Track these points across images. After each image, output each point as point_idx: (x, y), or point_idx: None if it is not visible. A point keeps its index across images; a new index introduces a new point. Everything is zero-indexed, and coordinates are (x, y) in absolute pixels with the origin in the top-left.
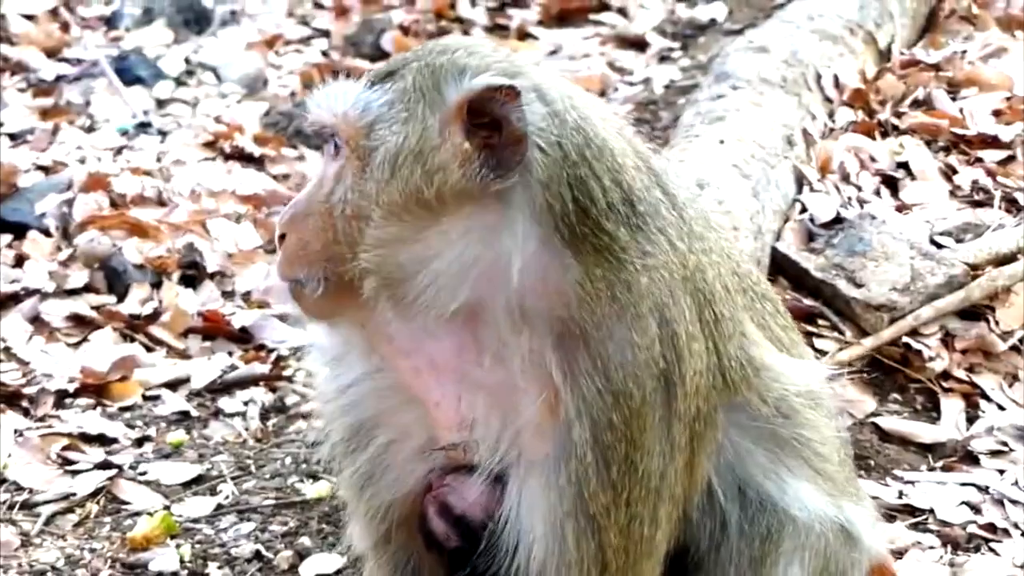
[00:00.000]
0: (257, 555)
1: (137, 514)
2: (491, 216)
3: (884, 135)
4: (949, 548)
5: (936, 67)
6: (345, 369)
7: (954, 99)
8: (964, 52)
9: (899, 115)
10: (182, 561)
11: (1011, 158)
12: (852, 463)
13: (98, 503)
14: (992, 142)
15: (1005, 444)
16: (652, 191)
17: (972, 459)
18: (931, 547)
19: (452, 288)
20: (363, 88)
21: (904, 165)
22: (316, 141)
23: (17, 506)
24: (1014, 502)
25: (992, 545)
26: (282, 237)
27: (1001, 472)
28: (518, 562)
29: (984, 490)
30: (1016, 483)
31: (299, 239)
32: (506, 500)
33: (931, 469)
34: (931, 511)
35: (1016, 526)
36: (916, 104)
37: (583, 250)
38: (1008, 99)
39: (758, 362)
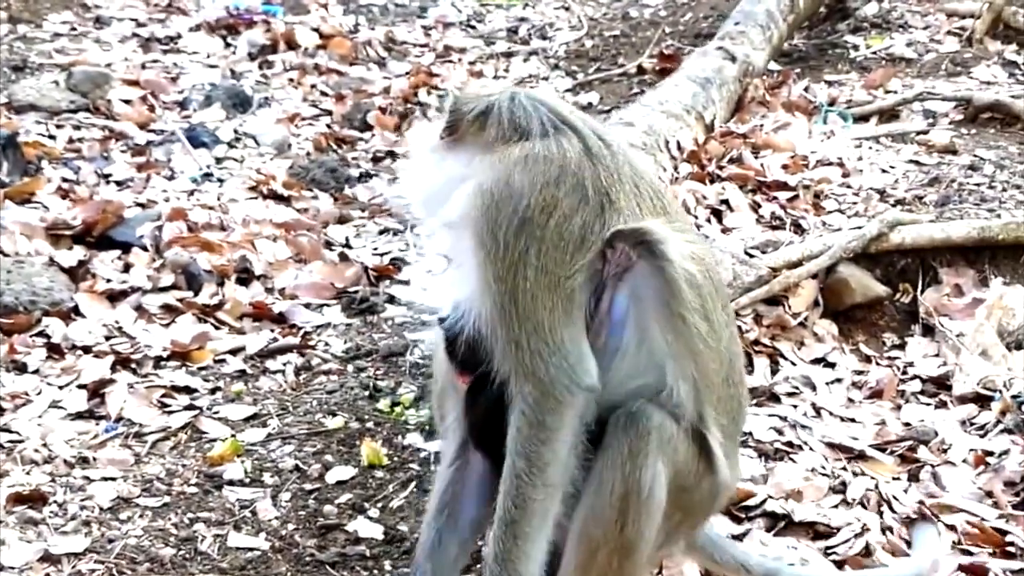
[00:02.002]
0: (296, 468)
1: (213, 440)
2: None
3: (711, 181)
4: (763, 458)
5: (744, 136)
6: None
7: (757, 157)
8: (762, 126)
9: (721, 168)
10: (245, 472)
11: (796, 196)
12: None
13: (186, 433)
14: (783, 186)
15: (797, 388)
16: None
17: (775, 398)
18: (751, 457)
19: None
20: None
21: (725, 201)
22: (324, 185)
23: (131, 435)
24: (804, 427)
25: (791, 456)
26: None
27: (795, 407)
28: (469, 324)
29: (784, 419)
30: (805, 414)
31: None
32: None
33: (749, 405)
34: (750, 433)
35: (806, 443)
36: (732, 160)
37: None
38: (792, 157)
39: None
